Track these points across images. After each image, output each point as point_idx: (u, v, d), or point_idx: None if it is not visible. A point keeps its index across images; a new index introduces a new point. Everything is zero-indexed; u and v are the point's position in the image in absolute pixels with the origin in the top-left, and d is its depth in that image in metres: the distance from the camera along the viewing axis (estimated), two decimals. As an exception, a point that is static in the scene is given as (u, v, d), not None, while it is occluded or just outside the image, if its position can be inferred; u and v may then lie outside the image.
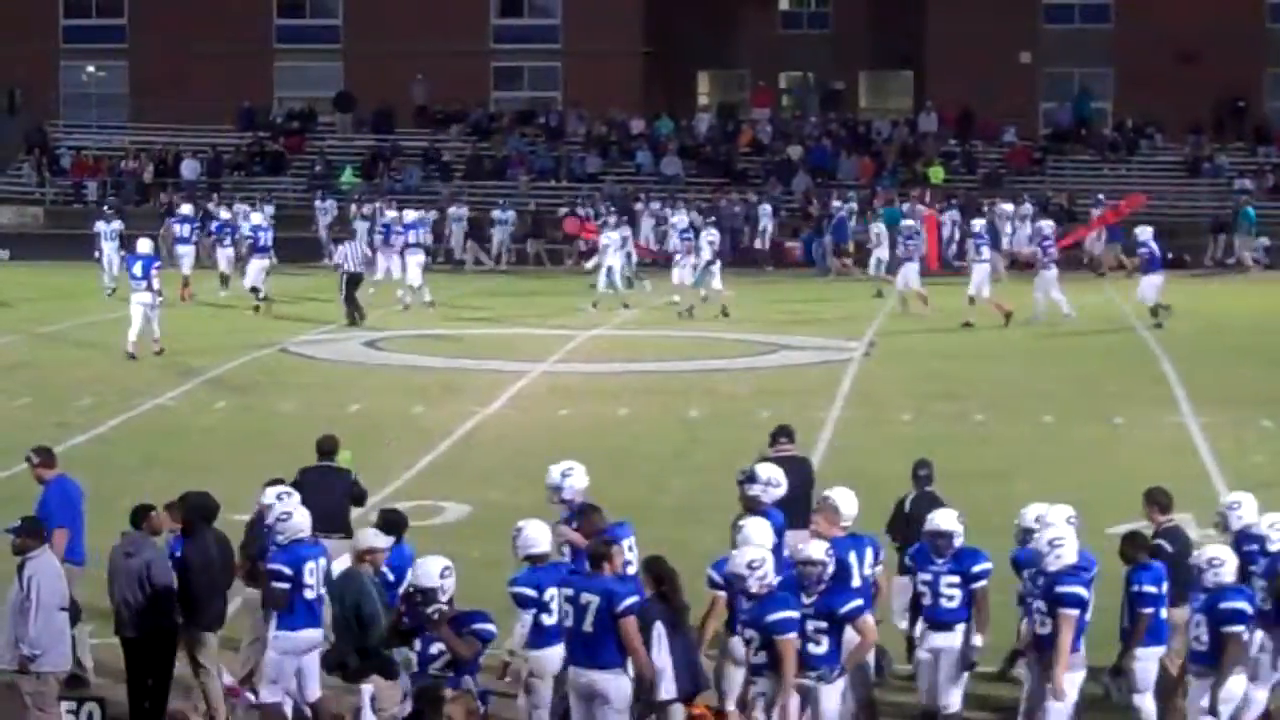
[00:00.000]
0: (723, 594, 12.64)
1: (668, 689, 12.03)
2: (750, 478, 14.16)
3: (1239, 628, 12.06)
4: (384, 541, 13.22)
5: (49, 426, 24.07)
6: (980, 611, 12.82)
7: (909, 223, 40.60)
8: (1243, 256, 48.89)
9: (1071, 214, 50.17)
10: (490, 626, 11.92)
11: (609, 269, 38.78)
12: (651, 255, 46.72)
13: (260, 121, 60.79)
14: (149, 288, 30.68)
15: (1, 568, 13.70)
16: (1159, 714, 12.87)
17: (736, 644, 12.49)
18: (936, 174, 55.22)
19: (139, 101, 61.89)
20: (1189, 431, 24.71)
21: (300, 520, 13.29)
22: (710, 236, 38.24)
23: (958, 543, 12.92)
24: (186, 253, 41.66)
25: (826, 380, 29.17)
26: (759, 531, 12.77)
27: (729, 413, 25.91)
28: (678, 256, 38.90)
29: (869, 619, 12.28)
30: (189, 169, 57.71)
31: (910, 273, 37.67)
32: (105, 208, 45.58)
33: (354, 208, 49.26)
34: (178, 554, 13.62)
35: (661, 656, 11.98)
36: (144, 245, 31.87)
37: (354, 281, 36.00)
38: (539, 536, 12.70)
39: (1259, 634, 12.50)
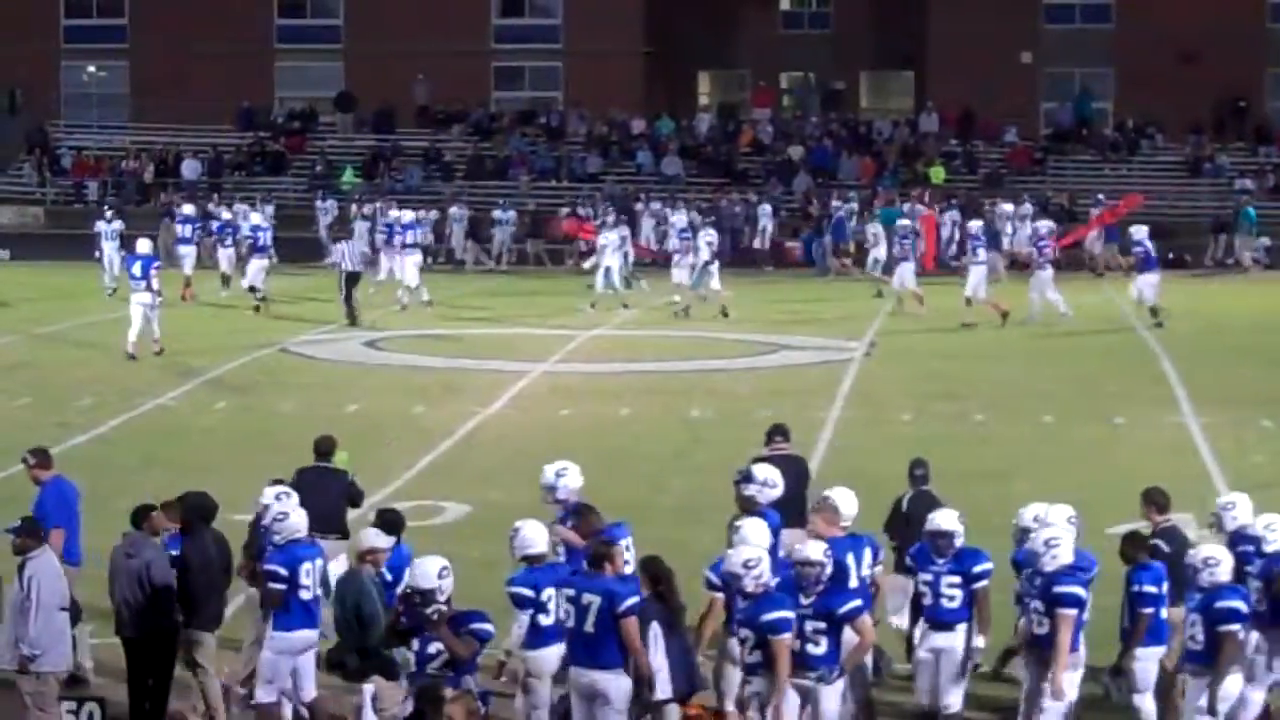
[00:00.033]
0: (720, 595, 12.63)
1: (663, 689, 12.03)
2: (746, 477, 14.17)
3: (1235, 626, 12.07)
4: (385, 542, 13.22)
5: (49, 426, 24.08)
6: (982, 612, 12.82)
7: (905, 223, 40.63)
8: (1241, 257, 48.88)
9: (1072, 214, 50.16)
10: (488, 626, 11.92)
11: (607, 269, 38.74)
12: (652, 255, 46.72)
13: (261, 121, 60.78)
14: (148, 288, 30.68)
15: (1, 568, 13.72)
16: (1159, 714, 12.87)
17: (735, 645, 12.49)
18: (937, 174, 55.21)
19: (139, 101, 61.89)
20: (1189, 431, 24.71)
21: (296, 521, 13.28)
22: (708, 237, 38.23)
23: (958, 543, 12.92)
24: (188, 253, 41.68)
25: (827, 380, 29.17)
26: (756, 532, 12.77)
27: (730, 413, 25.91)
28: (677, 257, 38.91)
29: (867, 619, 12.28)
30: (189, 169, 57.71)
31: (906, 272, 37.72)
32: (106, 208, 45.57)
33: (354, 208, 49.27)
34: (174, 553, 13.62)
35: (657, 657, 11.98)
36: (143, 245, 31.88)
37: (352, 280, 35.99)
38: (536, 537, 12.70)
39: (1254, 635, 12.50)
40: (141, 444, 24.11)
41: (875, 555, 13.35)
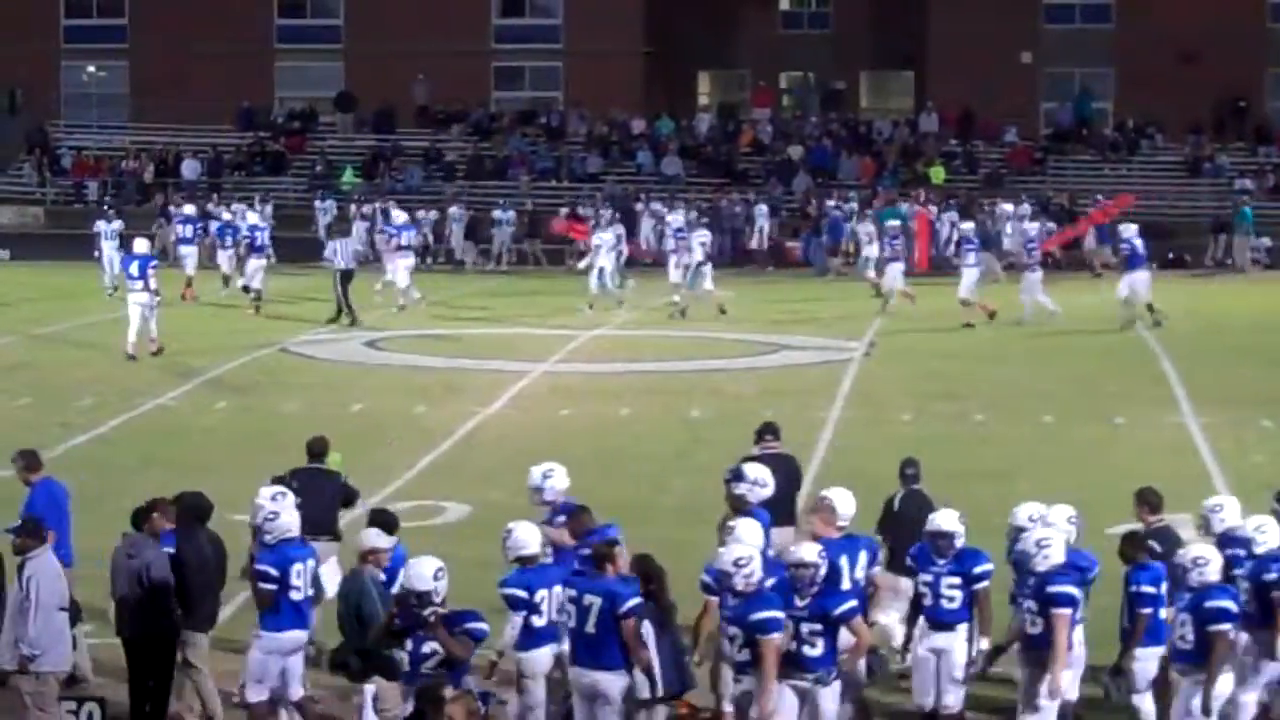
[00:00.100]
0: (716, 598, 12.60)
1: (655, 687, 12.04)
2: (737, 476, 14.17)
3: (1225, 626, 12.07)
4: (386, 542, 13.20)
5: (49, 427, 24.09)
6: (983, 613, 12.81)
7: (893, 223, 40.67)
8: (1237, 257, 48.80)
9: (1072, 214, 50.12)
10: (482, 625, 11.89)
11: (600, 270, 38.72)
12: (651, 256, 46.69)
13: (261, 121, 60.79)
14: (146, 287, 30.67)
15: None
16: (1159, 714, 12.87)
17: (726, 643, 12.48)
18: (937, 174, 55.22)
19: (139, 101, 61.90)
20: (1189, 431, 24.72)
21: (288, 521, 13.26)
22: (701, 238, 38.16)
23: (959, 543, 12.90)
24: (189, 253, 41.65)
25: (827, 380, 29.17)
26: (750, 532, 12.78)
27: (730, 413, 25.87)
28: (673, 257, 38.91)
29: (863, 621, 12.28)
30: (189, 169, 57.72)
31: (894, 272, 37.75)
32: (105, 208, 45.57)
33: (353, 208, 49.25)
34: (169, 550, 13.59)
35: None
36: (140, 245, 31.87)
37: (347, 278, 35.96)
38: (529, 538, 12.70)
39: (1243, 636, 12.50)
40: (141, 444, 24.11)
41: (873, 557, 13.34)
